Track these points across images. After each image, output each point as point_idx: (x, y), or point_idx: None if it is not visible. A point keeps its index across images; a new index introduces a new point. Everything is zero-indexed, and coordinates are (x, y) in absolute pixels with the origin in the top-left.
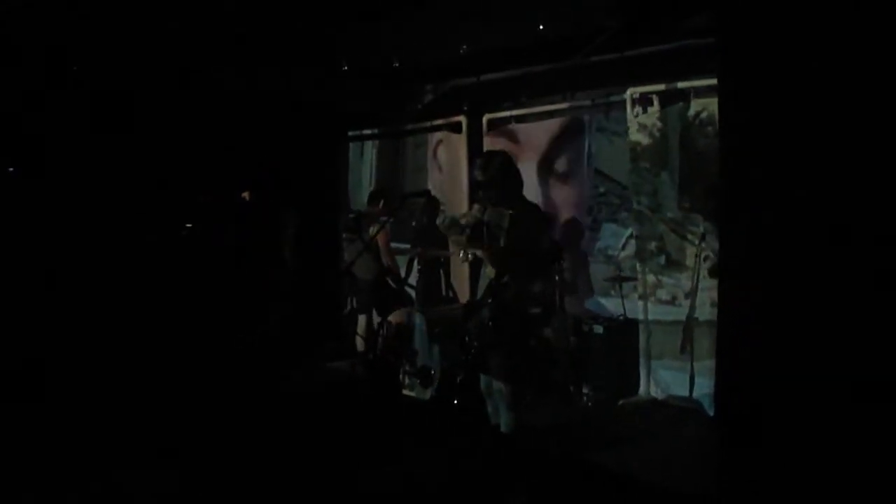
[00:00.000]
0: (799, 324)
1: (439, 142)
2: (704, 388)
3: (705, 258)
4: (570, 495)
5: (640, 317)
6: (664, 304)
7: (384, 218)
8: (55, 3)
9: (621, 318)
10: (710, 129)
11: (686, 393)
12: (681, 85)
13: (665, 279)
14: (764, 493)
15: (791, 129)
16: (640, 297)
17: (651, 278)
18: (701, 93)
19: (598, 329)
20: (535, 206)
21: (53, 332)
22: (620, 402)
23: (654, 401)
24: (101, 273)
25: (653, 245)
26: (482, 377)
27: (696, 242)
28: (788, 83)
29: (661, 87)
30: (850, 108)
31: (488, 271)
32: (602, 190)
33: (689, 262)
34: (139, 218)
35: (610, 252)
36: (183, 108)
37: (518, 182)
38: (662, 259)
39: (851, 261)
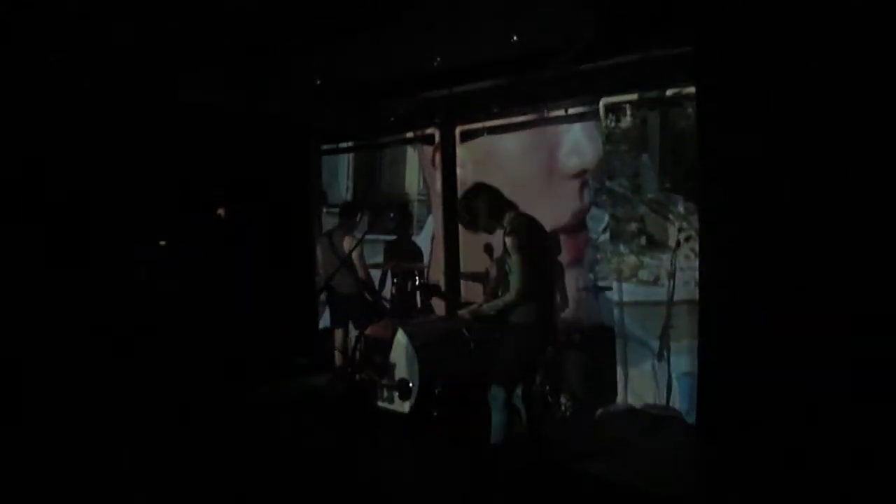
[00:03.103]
0: (781, 307)
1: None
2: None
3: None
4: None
5: (616, 313)
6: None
7: (358, 233)
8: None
9: (598, 326)
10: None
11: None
12: (653, 95)
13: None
14: (745, 494)
15: (765, 116)
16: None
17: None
18: (674, 102)
19: (576, 337)
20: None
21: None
22: (598, 410)
23: (631, 409)
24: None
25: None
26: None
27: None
28: (760, 79)
29: (634, 97)
30: (822, 99)
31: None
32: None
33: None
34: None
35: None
36: (153, 121)
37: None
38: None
39: (832, 243)
